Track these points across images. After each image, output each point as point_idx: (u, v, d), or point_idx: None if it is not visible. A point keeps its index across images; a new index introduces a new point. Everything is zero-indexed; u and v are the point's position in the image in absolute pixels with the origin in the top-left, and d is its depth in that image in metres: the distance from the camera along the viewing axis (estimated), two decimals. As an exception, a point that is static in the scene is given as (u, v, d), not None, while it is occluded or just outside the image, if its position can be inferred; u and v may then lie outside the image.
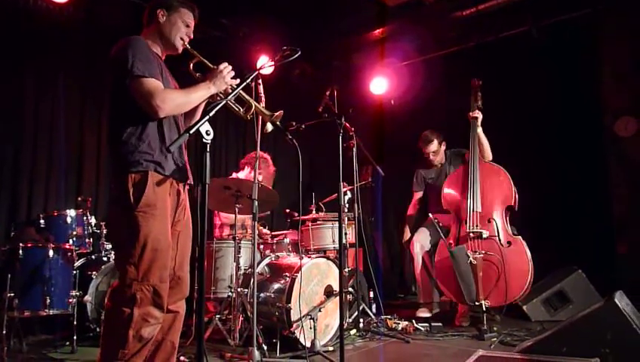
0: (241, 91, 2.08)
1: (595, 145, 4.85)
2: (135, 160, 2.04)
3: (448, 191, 4.18)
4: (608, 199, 4.71)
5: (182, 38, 2.27)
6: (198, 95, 2.16)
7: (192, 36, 2.31)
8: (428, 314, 4.11)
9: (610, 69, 4.80)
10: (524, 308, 4.07)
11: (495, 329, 3.61)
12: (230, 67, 2.20)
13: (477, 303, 3.62)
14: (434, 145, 4.40)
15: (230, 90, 2.15)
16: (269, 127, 2.30)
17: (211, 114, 1.51)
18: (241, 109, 2.28)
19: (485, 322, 3.52)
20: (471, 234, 3.84)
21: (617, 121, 4.71)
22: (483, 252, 3.75)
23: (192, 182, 2.31)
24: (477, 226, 3.85)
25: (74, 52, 4.36)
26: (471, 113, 4.13)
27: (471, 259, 3.72)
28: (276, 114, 2.30)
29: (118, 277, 2.05)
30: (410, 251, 4.31)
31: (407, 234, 4.49)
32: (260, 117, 2.36)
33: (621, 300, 2.40)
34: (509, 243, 3.79)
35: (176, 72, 2.36)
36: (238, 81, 2.19)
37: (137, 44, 2.11)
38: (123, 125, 2.08)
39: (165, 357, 2.21)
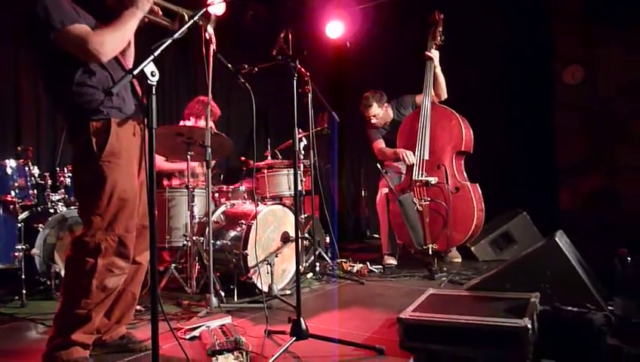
0: (170, 5, 1.95)
1: (543, 92, 4.98)
2: (95, 108, 1.95)
3: (402, 135, 4.21)
4: (554, 145, 4.91)
5: None
6: (129, 25, 1.99)
7: None
8: (395, 262, 4.20)
9: (561, 16, 4.87)
10: (472, 249, 4.27)
11: (445, 269, 3.78)
12: None
13: (424, 247, 3.76)
14: (374, 109, 4.34)
15: (155, 7, 2.04)
16: (210, 30, 2.16)
17: (156, 53, 1.41)
18: (170, 23, 2.15)
19: (436, 263, 3.68)
20: (417, 182, 3.93)
21: (565, 69, 4.84)
22: (429, 199, 3.85)
23: None
24: (423, 174, 3.93)
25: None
26: (427, 52, 4.10)
27: (417, 206, 3.82)
28: (212, 17, 2.16)
29: (67, 229, 1.97)
30: (379, 209, 4.34)
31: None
32: (211, 58, 2.25)
33: (561, 239, 2.54)
34: (457, 189, 3.90)
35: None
36: None
37: None
38: (68, 77, 1.95)
39: (125, 308, 2.21)
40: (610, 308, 2.30)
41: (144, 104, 2.09)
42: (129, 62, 2.23)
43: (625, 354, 1.88)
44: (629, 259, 2.27)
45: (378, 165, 4.07)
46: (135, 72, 1.36)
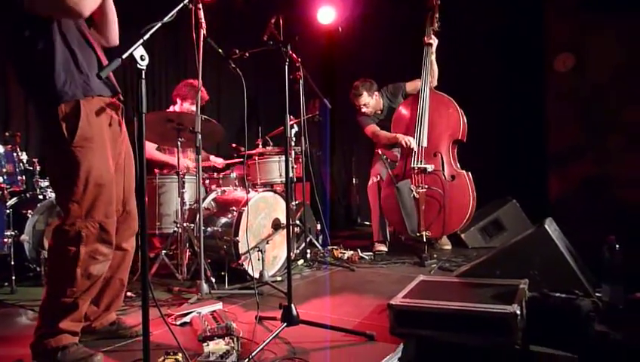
0: None
1: (534, 80, 4.98)
2: (61, 90, 1.87)
3: (397, 123, 4.20)
4: (545, 132, 4.92)
5: None
6: None
7: None
8: (385, 249, 4.21)
9: (553, 4, 4.86)
10: (462, 236, 4.29)
11: (435, 256, 3.81)
12: None
13: (418, 234, 3.77)
14: (364, 98, 4.32)
15: None
16: None
17: (146, 37, 1.38)
18: None
19: (426, 250, 3.70)
20: (415, 169, 3.93)
21: (557, 57, 4.84)
22: (426, 186, 3.86)
23: (122, 97, 2.13)
24: (421, 161, 3.93)
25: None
26: (425, 38, 4.08)
27: (414, 193, 3.83)
28: None
29: (56, 215, 1.94)
30: (370, 196, 4.34)
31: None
32: (201, 42, 2.21)
33: (550, 226, 2.57)
34: (453, 177, 3.91)
35: None
36: None
37: None
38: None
39: (114, 295, 2.19)
40: (598, 294, 2.34)
41: (112, 82, 2.05)
42: (113, 37, 2.16)
43: (612, 340, 1.92)
44: (617, 246, 2.30)
45: (379, 151, 4.06)
46: (124, 57, 1.34)
